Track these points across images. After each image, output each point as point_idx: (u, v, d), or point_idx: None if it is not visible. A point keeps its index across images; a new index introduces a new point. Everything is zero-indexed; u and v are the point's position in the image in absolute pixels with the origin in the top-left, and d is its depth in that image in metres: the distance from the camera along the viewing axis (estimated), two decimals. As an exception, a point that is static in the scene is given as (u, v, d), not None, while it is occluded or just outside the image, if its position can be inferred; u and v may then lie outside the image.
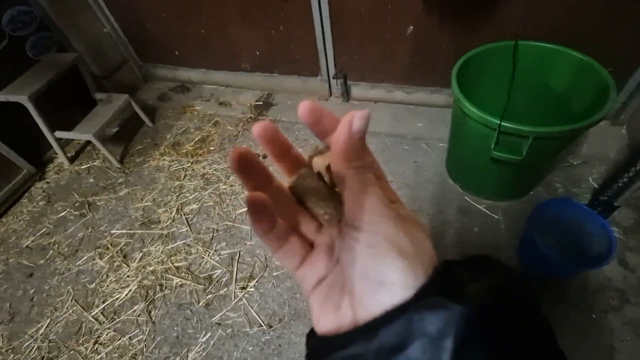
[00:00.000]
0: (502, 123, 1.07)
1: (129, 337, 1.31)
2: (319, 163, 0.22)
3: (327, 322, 0.21)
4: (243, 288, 1.38)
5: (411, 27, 1.62)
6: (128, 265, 1.51)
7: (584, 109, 1.22)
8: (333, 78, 1.95)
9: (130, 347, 1.28)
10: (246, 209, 0.20)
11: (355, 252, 0.19)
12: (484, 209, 1.47)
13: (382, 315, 0.18)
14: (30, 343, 1.33)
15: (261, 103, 2.17)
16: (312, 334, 0.22)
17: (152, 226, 1.64)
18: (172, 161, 1.91)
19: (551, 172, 1.52)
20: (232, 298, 1.36)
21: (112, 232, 1.64)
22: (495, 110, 1.10)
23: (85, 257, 1.57)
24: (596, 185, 1.46)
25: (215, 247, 1.52)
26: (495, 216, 1.44)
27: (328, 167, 0.21)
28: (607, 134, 1.62)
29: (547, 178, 1.51)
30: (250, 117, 2.08)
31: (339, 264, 0.22)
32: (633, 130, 1.57)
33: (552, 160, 1.30)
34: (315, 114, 0.21)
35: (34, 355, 1.31)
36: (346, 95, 2.03)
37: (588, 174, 1.51)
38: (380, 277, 0.18)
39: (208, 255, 1.49)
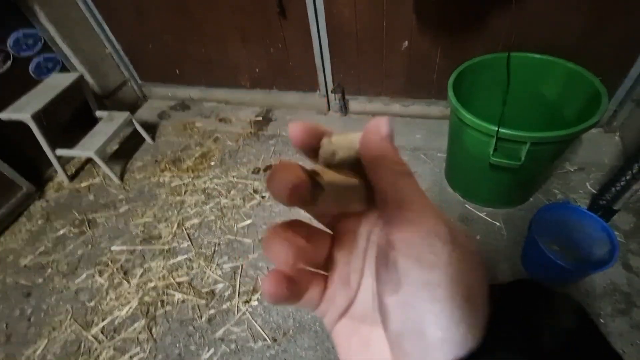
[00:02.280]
0: (499, 129, 1.10)
1: (130, 356, 1.27)
2: (333, 145, 0.19)
3: None
4: (246, 302, 1.36)
5: (406, 42, 1.68)
6: (128, 282, 1.48)
7: (577, 117, 1.25)
8: (331, 93, 2.00)
9: (131, 366, 1.25)
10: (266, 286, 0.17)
11: (409, 296, 0.15)
12: (485, 217, 1.48)
13: None
14: (27, 365, 1.29)
15: (261, 119, 2.21)
16: None
17: (153, 242, 1.62)
18: (173, 177, 1.92)
19: (549, 178, 1.55)
20: (235, 312, 1.33)
21: (112, 248, 1.62)
22: (491, 119, 1.14)
23: (84, 275, 1.54)
24: (593, 191, 1.48)
25: (217, 261, 1.51)
26: (497, 223, 1.45)
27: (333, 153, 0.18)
28: (601, 141, 1.66)
29: (545, 185, 1.54)
30: (250, 132, 2.11)
31: (361, 292, 0.20)
32: (625, 136, 1.61)
33: (549, 165, 1.33)
34: (311, 132, 0.18)
35: (30, 378, 1.27)
36: (344, 109, 2.07)
37: (585, 179, 1.53)
38: (438, 334, 0.14)
39: (210, 270, 1.48)
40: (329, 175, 0.17)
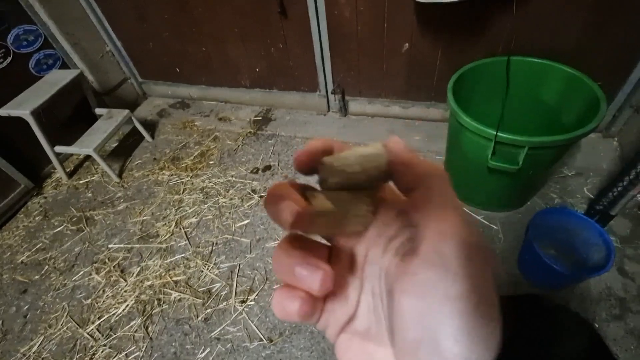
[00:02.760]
0: (498, 133, 1.10)
1: (125, 354, 1.27)
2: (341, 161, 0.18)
3: None
4: (243, 302, 1.36)
5: (406, 44, 1.68)
6: (125, 280, 1.48)
7: (576, 121, 1.25)
8: (331, 93, 2.00)
9: (126, 365, 1.25)
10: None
11: (430, 307, 0.15)
12: (482, 220, 1.48)
13: None
14: (22, 362, 1.29)
15: (260, 118, 2.21)
16: None
17: (151, 240, 1.62)
18: (172, 175, 1.92)
19: (546, 182, 1.55)
20: (232, 312, 1.33)
21: (110, 246, 1.62)
22: (490, 122, 1.14)
23: (81, 272, 1.54)
24: (591, 195, 1.48)
25: (215, 260, 1.51)
26: (494, 227, 1.45)
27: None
28: (599, 146, 1.66)
29: (542, 189, 1.54)
30: (249, 132, 2.11)
31: (361, 308, 0.20)
32: (624, 141, 1.61)
33: (547, 170, 1.33)
34: (312, 156, 0.19)
35: (25, 375, 1.26)
36: (344, 110, 2.07)
37: (582, 184, 1.54)
38: (454, 350, 0.14)
39: (207, 269, 1.48)
40: (319, 204, 0.17)
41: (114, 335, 1.32)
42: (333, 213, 0.18)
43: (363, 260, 0.20)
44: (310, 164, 0.19)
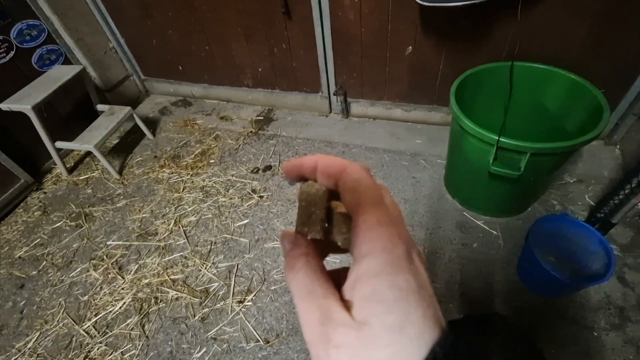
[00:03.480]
0: (500, 139, 1.09)
1: (121, 352, 1.27)
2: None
3: None
4: (240, 302, 1.35)
5: (410, 47, 1.68)
6: (123, 278, 1.48)
7: (578, 128, 1.25)
8: (333, 95, 2.00)
9: (122, 363, 1.24)
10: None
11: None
12: (482, 225, 1.47)
13: None
14: (18, 357, 1.29)
15: (262, 118, 2.21)
16: None
17: (149, 238, 1.62)
18: (172, 173, 1.91)
19: (548, 188, 1.55)
20: (229, 312, 1.33)
21: (108, 243, 1.62)
22: (492, 127, 1.13)
23: (79, 269, 1.54)
24: (592, 203, 1.48)
25: (213, 259, 1.50)
26: (494, 232, 1.45)
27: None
28: (601, 153, 1.66)
29: (543, 195, 1.53)
30: (251, 132, 2.11)
31: None
32: (626, 149, 1.61)
33: (548, 176, 1.33)
34: (296, 168, 0.22)
35: (20, 371, 1.26)
36: (346, 112, 2.07)
37: (584, 191, 1.53)
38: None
39: (205, 268, 1.47)
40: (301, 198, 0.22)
41: (110, 333, 1.32)
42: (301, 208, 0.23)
43: None
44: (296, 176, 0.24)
